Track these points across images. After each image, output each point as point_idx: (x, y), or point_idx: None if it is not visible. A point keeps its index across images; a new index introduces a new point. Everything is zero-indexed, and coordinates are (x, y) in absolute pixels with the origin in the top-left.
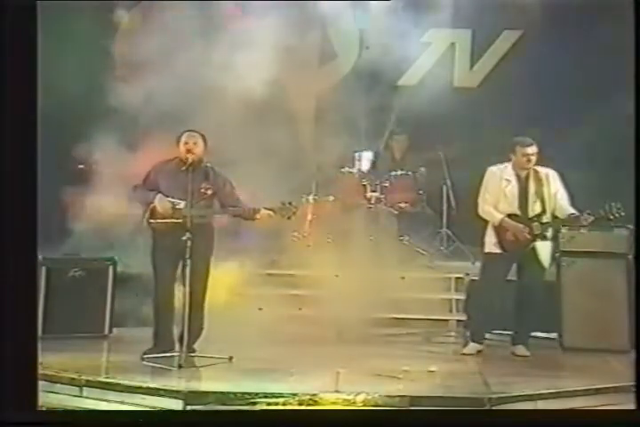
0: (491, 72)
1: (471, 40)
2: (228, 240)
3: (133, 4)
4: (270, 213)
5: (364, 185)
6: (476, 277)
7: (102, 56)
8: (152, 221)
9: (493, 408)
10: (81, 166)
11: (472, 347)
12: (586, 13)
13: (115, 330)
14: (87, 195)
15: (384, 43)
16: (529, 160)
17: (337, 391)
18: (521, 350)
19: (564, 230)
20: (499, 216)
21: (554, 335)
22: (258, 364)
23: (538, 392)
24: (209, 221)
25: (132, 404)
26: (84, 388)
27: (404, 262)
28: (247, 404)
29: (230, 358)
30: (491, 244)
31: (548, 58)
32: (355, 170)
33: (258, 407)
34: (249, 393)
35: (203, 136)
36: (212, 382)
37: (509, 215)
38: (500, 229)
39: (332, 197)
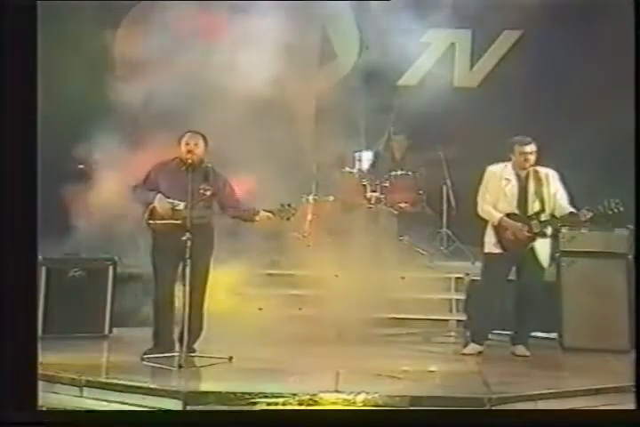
0: (491, 72)
1: (471, 40)
2: (229, 240)
3: (133, 3)
4: (269, 214)
5: (364, 185)
6: (476, 278)
7: (102, 56)
8: (151, 221)
9: (493, 408)
10: (81, 166)
11: (472, 348)
12: (586, 13)
13: (115, 330)
14: (87, 195)
15: (384, 43)
16: (527, 159)
17: (337, 391)
18: (521, 350)
19: (564, 230)
20: (498, 215)
21: (554, 335)
22: (258, 364)
23: (538, 392)
24: (209, 221)
25: (132, 404)
26: (84, 388)
27: (403, 262)
28: (247, 404)
29: (230, 358)
30: (490, 244)
31: (548, 58)
32: (355, 170)
33: (258, 407)
34: (249, 393)
35: (204, 137)
36: (212, 382)
37: (508, 215)
38: (499, 229)
39: (331, 197)
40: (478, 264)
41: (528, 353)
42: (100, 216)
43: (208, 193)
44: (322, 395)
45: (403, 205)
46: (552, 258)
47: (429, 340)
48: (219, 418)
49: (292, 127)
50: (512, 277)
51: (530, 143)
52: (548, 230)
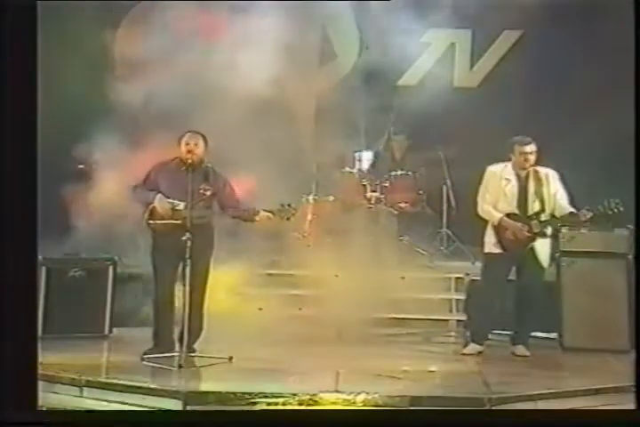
0: (491, 72)
1: (471, 40)
2: (229, 240)
3: (133, 3)
4: (269, 215)
5: (364, 185)
6: (476, 278)
7: (102, 56)
8: (151, 221)
9: (493, 408)
10: (81, 166)
11: (472, 348)
12: (586, 13)
13: (115, 330)
14: (87, 195)
15: (384, 43)
16: (527, 159)
17: (337, 391)
18: (521, 350)
19: (564, 230)
20: (498, 215)
21: (554, 335)
22: (258, 364)
23: (538, 392)
24: (209, 221)
25: (132, 404)
26: (84, 388)
27: (403, 262)
28: (247, 404)
29: (230, 358)
30: (490, 244)
31: (548, 58)
32: (355, 170)
33: (258, 407)
34: (249, 393)
35: (204, 137)
36: (212, 382)
37: (508, 215)
38: (499, 229)
39: (332, 197)
40: (478, 264)
41: (528, 353)
42: (100, 216)
43: (208, 193)
44: (322, 395)
45: (403, 205)
46: (552, 258)
47: (429, 340)
48: (219, 418)
49: (292, 127)
50: (512, 277)
51: (530, 143)
52: (548, 230)
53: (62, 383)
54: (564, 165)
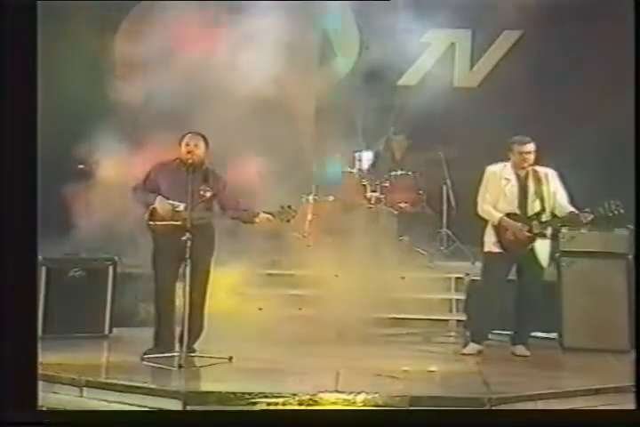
0: (491, 72)
1: (471, 40)
2: (229, 240)
3: (133, 3)
4: (269, 216)
5: (364, 185)
6: (476, 277)
7: (102, 56)
8: (152, 222)
9: (493, 408)
10: (81, 166)
11: (472, 347)
12: (586, 13)
13: (115, 330)
14: (87, 195)
15: (384, 43)
16: (526, 159)
17: (337, 391)
18: (521, 350)
19: (564, 230)
20: (498, 215)
21: (554, 335)
22: (258, 364)
23: (538, 392)
24: (209, 221)
25: (132, 404)
26: (84, 388)
27: (403, 262)
28: (247, 404)
29: (230, 358)
30: (490, 243)
31: (548, 58)
32: (355, 170)
33: (258, 407)
34: (249, 393)
35: (204, 138)
36: (211, 382)
37: (509, 214)
38: (499, 229)
39: (331, 197)
40: (478, 264)
41: (528, 353)
42: (99, 216)
43: (208, 194)
44: (322, 395)
45: (403, 205)
46: (552, 258)
47: (429, 340)
48: (219, 418)
49: (291, 127)
50: (512, 276)
51: (528, 143)
52: (548, 231)
53: (62, 383)
54: (564, 165)
